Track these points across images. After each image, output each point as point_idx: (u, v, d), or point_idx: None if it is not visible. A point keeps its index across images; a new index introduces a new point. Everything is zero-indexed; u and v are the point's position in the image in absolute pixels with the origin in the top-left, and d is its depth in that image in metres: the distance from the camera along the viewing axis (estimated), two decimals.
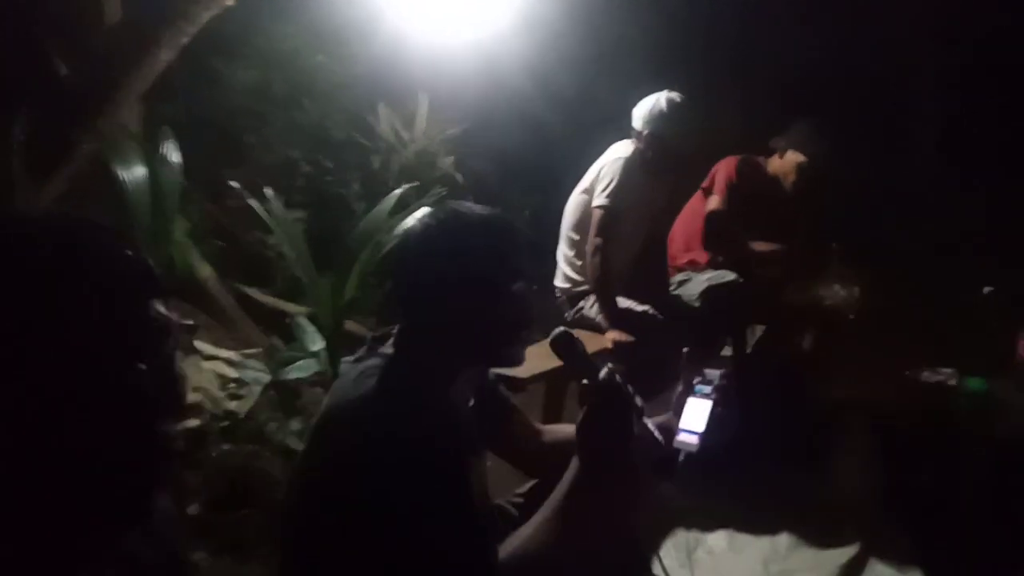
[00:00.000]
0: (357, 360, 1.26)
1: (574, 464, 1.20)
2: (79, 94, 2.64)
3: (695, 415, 1.47)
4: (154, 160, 2.40)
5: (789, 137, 3.01)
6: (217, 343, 3.01)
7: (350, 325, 3.42)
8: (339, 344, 2.30)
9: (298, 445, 2.56)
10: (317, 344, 2.33)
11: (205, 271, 3.08)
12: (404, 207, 2.48)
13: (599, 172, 2.75)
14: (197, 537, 2.30)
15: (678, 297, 2.92)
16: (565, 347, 1.28)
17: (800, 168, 2.97)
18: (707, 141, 2.82)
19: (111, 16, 2.85)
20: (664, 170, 2.79)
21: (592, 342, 2.74)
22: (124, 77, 2.64)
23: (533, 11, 2.75)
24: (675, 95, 2.69)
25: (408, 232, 1.28)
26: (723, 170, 2.98)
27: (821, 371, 2.97)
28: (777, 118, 3.17)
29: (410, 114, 3.99)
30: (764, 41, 3.57)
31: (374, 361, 1.22)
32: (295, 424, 2.66)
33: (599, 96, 3.20)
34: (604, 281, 2.72)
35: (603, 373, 1.23)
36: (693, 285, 2.92)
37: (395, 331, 1.28)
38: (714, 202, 2.92)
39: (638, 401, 1.25)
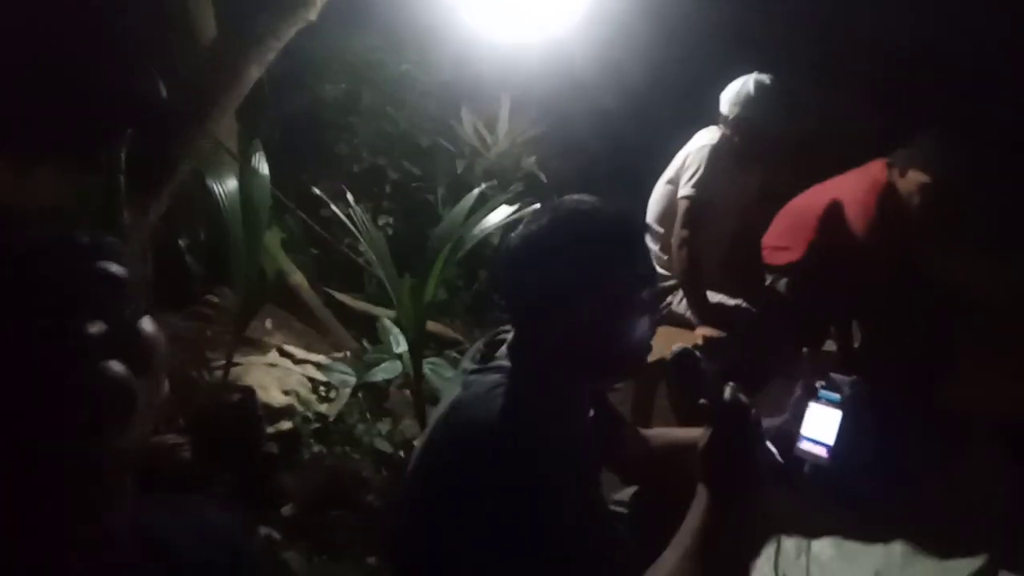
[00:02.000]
0: (477, 371, 1.17)
1: (702, 498, 1.08)
2: (179, 113, 2.78)
3: (821, 424, 1.38)
4: (245, 173, 2.49)
5: (911, 153, 2.54)
6: (308, 347, 3.11)
7: (435, 327, 3.47)
8: (421, 346, 2.31)
9: (385, 447, 2.61)
10: (401, 346, 2.36)
11: (297, 278, 3.19)
12: (484, 207, 2.47)
13: (684, 161, 2.65)
14: (292, 538, 2.37)
15: (773, 290, 2.78)
16: (688, 368, 1.16)
17: (924, 190, 2.49)
18: (799, 126, 2.66)
19: (206, 35, 3.00)
20: (754, 157, 2.66)
21: (681, 338, 2.65)
22: (218, 95, 2.76)
23: (603, 3, 2.68)
24: (764, 76, 2.56)
25: (524, 232, 1.16)
26: (862, 199, 2.56)
27: (948, 370, 2.74)
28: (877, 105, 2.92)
29: (493, 117, 4.01)
30: (856, 21, 3.31)
31: (495, 377, 1.14)
32: (383, 426, 2.70)
33: (678, 87, 3.09)
34: (692, 274, 2.62)
35: (728, 393, 1.12)
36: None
37: (508, 339, 1.20)
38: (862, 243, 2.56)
39: (763, 425, 1.16)
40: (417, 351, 2.25)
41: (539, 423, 1.09)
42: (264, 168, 2.55)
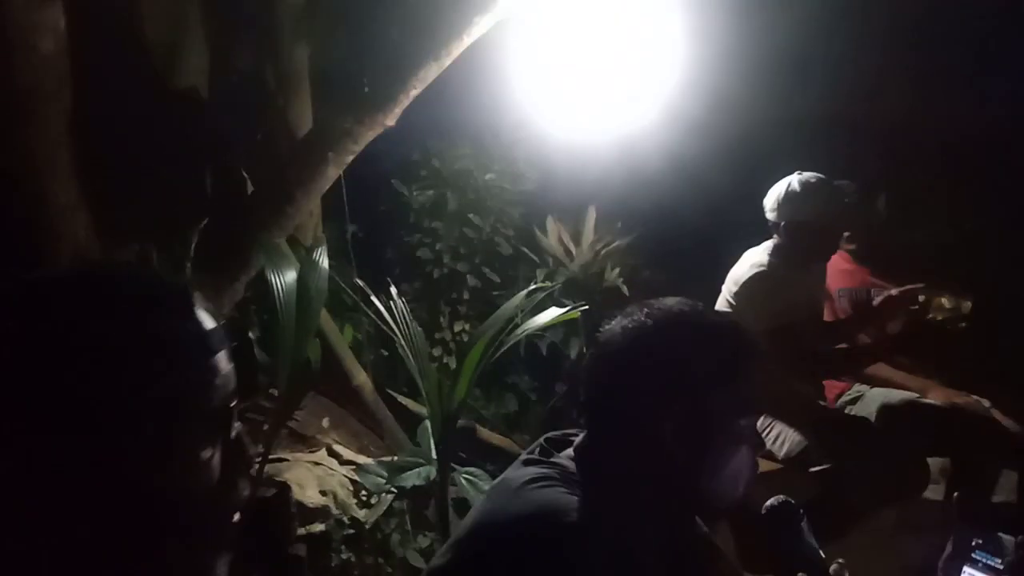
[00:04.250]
0: (525, 463, 1.05)
1: None
2: (257, 207, 2.90)
3: None
4: (305, 265, 2.52)
5: None
6: (363, 450, 3.02)
7: (503, 441, 3.32)
8: (451, 450, 2.15)
9: (419, 561, 2.41)
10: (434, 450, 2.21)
11: (360, 378, 3.14)
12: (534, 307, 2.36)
13: (736, 291, 2.38)
14: None
15: (859, 420, 2.42)
16: (782, 523, 1.02)
17: None
18: (854, 218, 2.43)
19: (303, 132, 3.16)
20: (815, 258, 2.41)
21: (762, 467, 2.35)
22: (295, 191, 2.85)
23: (678, 103, 2.59)
24: (806, 174, 2.34)
25: (616, 327, 1.04)
26: None
27: None
28: None
29: (580, 228, 3.96)
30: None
31: (544, 470, 1.01)
32: (422, 539, 2.52)
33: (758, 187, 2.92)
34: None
35: (833, 569, 0.98)
36: (868, 403, 2.42)
37: (578, 438, 1.07)
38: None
39: None
40: (445, 454, 2.09)
41: (576, 532, 0.91)
42: (324, 262, 2.57)
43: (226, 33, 3.13)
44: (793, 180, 2.35)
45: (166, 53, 2.82)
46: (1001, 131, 3.31)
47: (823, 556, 0.96)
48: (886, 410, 2.34)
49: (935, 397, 2.36)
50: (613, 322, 1.05)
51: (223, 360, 0.63)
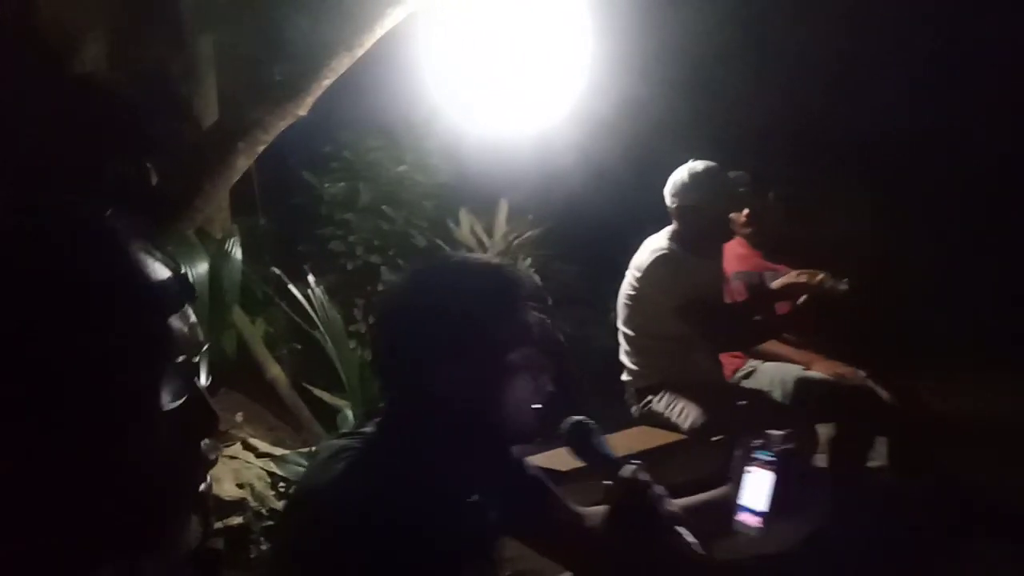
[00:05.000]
0: (337, 439, 1.10)
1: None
2: (165, 199, 2.83)
3: (756, 489, 1.22)
4: (217, 257, 2.49)
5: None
6: (279, 443, 2.99)
7: None
8: None
9: None
10: None
11: (274, 371, 3.11)
12: None
13: (640, 276, 2.52)
14: None
15: (753, 392, 2.60)
16: (579, 440, 1.11)
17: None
18: (740, 205, 2.63)
19: (208, 124, 3.10)
20: (709, 241, 2.57)
21: (662, 439, 2.48)
22: (203, 182, 2.81)
23: (587, 101, 2.69)
24: (697, 163, 2.52)
25: (385, 291, 1.13)
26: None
27: None
28: None
29: (492, 220, 4.04)
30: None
31: (346, 442, 1.05)
32: None
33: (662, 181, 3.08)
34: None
35: (627, 470, 1.06)
36: (760, 376, 2.61)
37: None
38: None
39: (669, 505, 1.07)
40: None
41: (373, 489, 0.96)
42: (238, 253, 2.55)
43: (129, 22, 3.04)
44: (683, 169, 2.53)
45: (66, 44, 2.72)
46: (894, 133, 3.59)
47: (619, 463, 1.07)
48: (777, 382, 2.54)
49: (820, 369, 2.57)
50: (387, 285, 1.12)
51: (182, 312, 0.58)
